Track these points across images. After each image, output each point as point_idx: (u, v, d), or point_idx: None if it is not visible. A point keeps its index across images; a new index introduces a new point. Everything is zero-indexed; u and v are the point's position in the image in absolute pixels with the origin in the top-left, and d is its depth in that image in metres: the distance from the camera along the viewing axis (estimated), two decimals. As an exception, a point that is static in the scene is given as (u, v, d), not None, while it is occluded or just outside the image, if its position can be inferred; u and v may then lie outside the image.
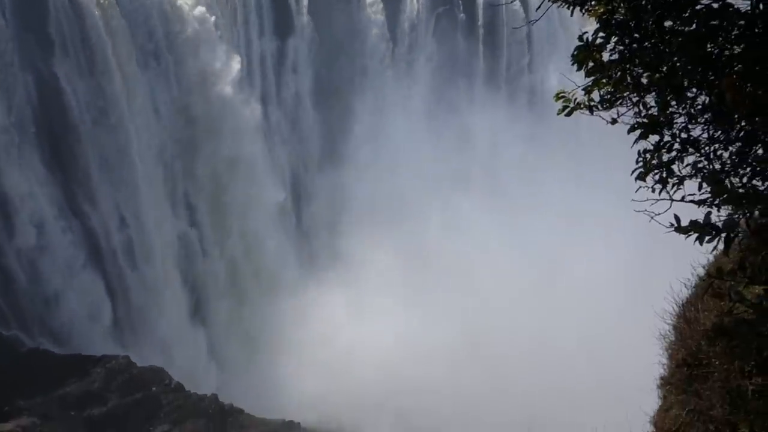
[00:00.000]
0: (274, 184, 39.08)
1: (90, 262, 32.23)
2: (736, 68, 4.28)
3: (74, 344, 30.87)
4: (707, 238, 3.96)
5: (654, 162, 4.98)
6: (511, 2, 44.58)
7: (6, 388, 27.46)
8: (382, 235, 38.72)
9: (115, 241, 33.07)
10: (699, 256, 8.75)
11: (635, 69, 4.84)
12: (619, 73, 4.88)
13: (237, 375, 35.37)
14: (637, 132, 4.81)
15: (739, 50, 4.29)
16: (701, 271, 9.18)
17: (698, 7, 4.34)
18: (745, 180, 4.51)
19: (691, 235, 4.04)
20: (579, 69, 4.93)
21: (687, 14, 4.37)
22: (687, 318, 8.87)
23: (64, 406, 28.39)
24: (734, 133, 4.72)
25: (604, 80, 4.92)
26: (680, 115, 4.84)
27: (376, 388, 33.75)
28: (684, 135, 4.83)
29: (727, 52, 4.36)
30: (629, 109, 5.03)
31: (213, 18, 35.47)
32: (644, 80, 4.82)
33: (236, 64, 36.36)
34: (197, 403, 30.77)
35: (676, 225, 4.15)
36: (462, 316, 35.64)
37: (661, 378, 8.94)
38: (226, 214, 37.06)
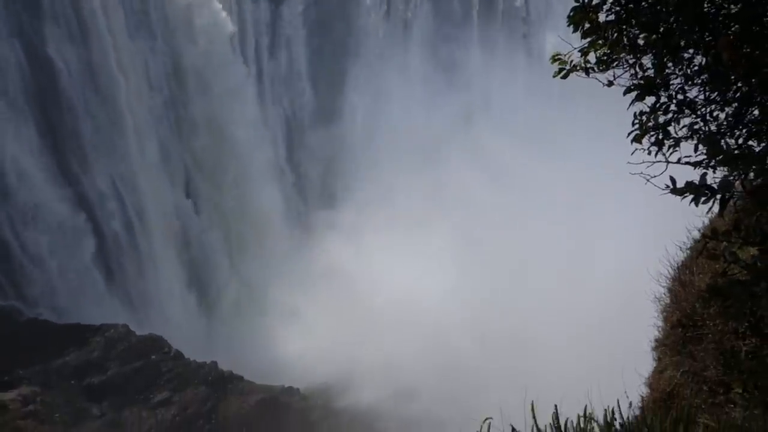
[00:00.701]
0: (269, 142, 38.93)
1: (86, 230, 32.17)
2: (732, 29, 4.24)
3: (73, 313, 30.94)
4: (702, 199, 3.96)
5: (650, 124, 4.95)
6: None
7: (6, 358, 27.61)
8: (379, 188, 39.17)
9: (110, 208, 32.98)
10: (694, 219, 8.78)
11: (632, 30, 4.79)
12: (615, 34, 4.82)
13: (235, 343, 35.54)
14: (633, 93, 4.78)
15: (736, 10, 4.24)
16: (696, 235, 9.21)
17: (695, -34, 4.29)
18: (741, 141, 4.50)
19: (686, 196, 4.03)
20: (575, 30, 4.88)
21: (684, -27, 4.32)
22: (682, 281, 8.93)
23: (64, 375, 28.58)
24: (731, 94, 4.69)
25: (600, 41, 4.87)
26: (677, 76, 4.80)
27: (375, 353, 34.12)
28: (680, 96, 4.80)
29: (724, 12, 4.32)
30: (625, 71, 4.98)
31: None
32: (641, 41, 4.77)
33: (229, 25, 36.01)
34: (197, 371, 31.00)
35: (671, 187, 4.14)
36: (464, 264, 35.91)
37: (656, 340, 9.03)
38: (222, 178, 36.92)
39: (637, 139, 5.06)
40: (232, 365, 32.09)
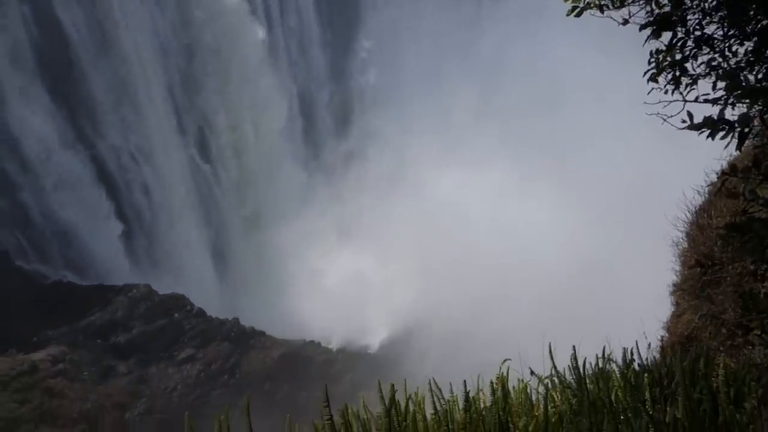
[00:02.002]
0: (283, 101, 38.70)
1: (103, 193, 32.38)
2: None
3: (95, 275, 31.34)
4: (721, 134, 3.86)
5: (666, 62, 4.83)
6: None
7: (33, 320, 28.13)
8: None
9: (126, 171, 33.10)
10: (712, 163, 8.64)
11: (647, -36, 4.63)
12: (629, -30, 4.67)
13: (256, 299, 35.91)
14: (649, 30, 4.63)
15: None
16: (714, 177, 9.08)
17: None
18: (760, 76, 4.37)
19: (704, 131, 3.94)
20: (588, -33, 4.72)
21: None
22: (699, 224, 8.84)
23: (91, 334, 29.10)
24: (750, 29, 4.55)
25: (614, -23, 4.72)
26: (694, 11, 4.65)
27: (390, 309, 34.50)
28: (698, 32, 4.66)
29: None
30: (641, 8, 4.84)
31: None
32: (656, -24, 4.62)
33: None
34: (219, 327, 31.44)
35: (689, 122, 4.04)
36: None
37: (674, 284, 8.98)
38: (237, 137, 36.82)
39: (653, 78, 4.94)
40: (253, 321, 32.48)
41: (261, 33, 36.92)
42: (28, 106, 29.61)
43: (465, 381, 4.11)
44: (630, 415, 3.63)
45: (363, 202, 39.19)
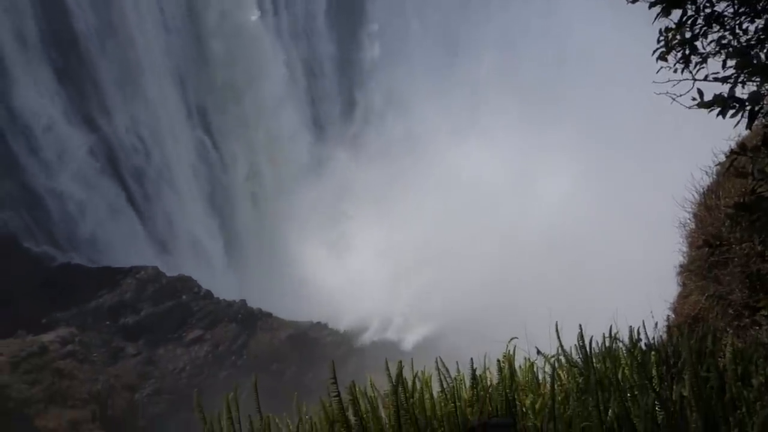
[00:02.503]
0: (288, 78, 38.52)
1: (109, 174, 32.42)
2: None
3: (102, 256, 31.47)
4: (731, 112, 3.83)
5: (676, 40, 4.78)
6: None
7: (42, 302, 28.33)
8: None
9: (132, 152, 33.11)
10: (721, 143, 8.59)
11: (656, -60, 4.57)
12: (638, -54, 4.62)
13: (263, 281, 36.01)
14: (659, 8, 4.59)
15: None
16: (722, 158, 9.02)
17: None
18: (771, 54, 4.33)
19: (714, 109, 3.91)
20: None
21: None
22: (707, 205, 8.81)
23: (99, 316, 29.30)
24: (760, 6, 4.50)
25: (623, -46, 4.67)
26: (704, -12, 4.60)
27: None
28: (708, 10, 4.61)
29: None
30: (650, -15, 4.78)
31: None
32: (666, -48, 4.56)
33: None
34: (227, 309, 31.60)
35: (699, 100, 4.01)
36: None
37: (681, 265, 8.96)
38: (243, 115, 36.70)
39: (663, 57, 4.90)
40: (260, 303, 32.62)
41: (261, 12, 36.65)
42: (34, 87, 29.61)
43: (471, 359, 4.13)
44: (637, 392, 3.64)
45: (375, 180, 39.06)
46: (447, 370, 4.40)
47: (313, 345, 31.55)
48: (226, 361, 30.05)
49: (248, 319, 31.67)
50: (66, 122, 30.87)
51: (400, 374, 3.70)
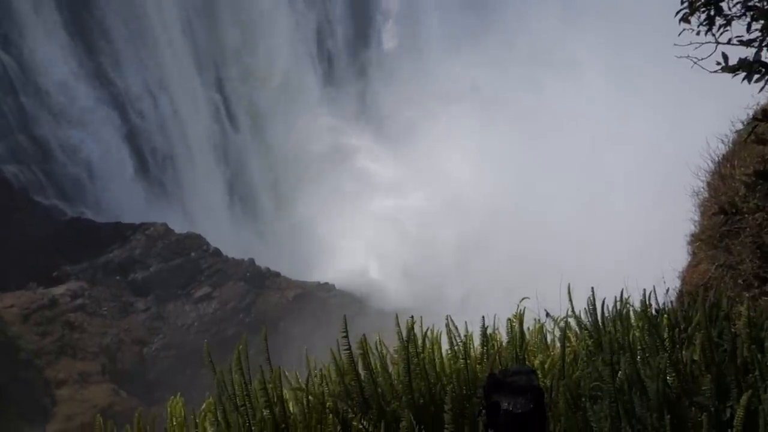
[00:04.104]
0: (300, 41, 38.17)
1: (120, 129, 32.42)
2: None
3: (112, 212, 31.61)
4: (756, 76, 3.75)
5: (700, 1, 4.67)
6: None
7: (52, 255, 28.58)
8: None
9: (144, 109, 33.05)
10: (739, 112, 8.46)
11: None
12: None
13: (271, 241, 36.16)
14: (685, -34, 4.47)
15: None
16: (740, 126, 8.88)
17: None
18: (799, 16, 4.22)
19: (738, 74, 3.82)
20: None
21: None
22: (722, 174, 8.71)
23: (109, 271, 29.56)
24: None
25: None
26: (732, -53, 4.48)
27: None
28: (735, -31, 4.49)
29: None
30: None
31: None
32: None
33: None
34: (235, 267, 31.80)
35: (723, 64, 3.92)
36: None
37: (692, 235, 8.90)
38: (255, 76, 36.45)
39: (686, 18, 4.79)
40: (268, 262, 32.78)
41: None
42: (46, 41, 29.48)
43: (483, 317, 4.13)
44: (648, 355, 3.65)
45: (399, 124, 38.84)
46: (456, 329, 4.41)
47: (320, 305, 31.77)
48: (234, 318, 30.34)
49: (256, 278, 31.88)
50: (77, 77, 30.78)
51: (411, 329, 3.71)
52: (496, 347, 4.10)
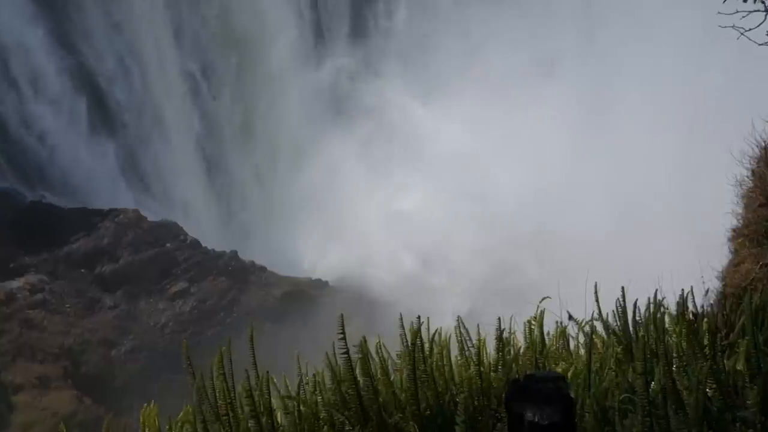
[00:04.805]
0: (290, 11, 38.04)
1: (89, 104, 32.32)
2: None
3: (77, 196, 31.56)
4: (814, 47, 3.72)
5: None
6: None
7: (9, 245, 28.55)
8: None
9: (114, 81, 32.94)
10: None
11: None
12: None
13: (256, 231, 36.15)
14: None
15: None
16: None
17: None
18: None
19: (793, 44, 3.79)
20: None
21: None
22: (769, 160, 8.71)
23: (73, 262, 29.54)
24: None
25: None
26: None
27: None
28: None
29: None
30: None
31: None
32: None
33: None
34: (216, 260, 31.79)
35: (776, 33, 3.89)
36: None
37: (734, 230, 8.89)
38: (236, 44, 36.31)
39: (733, -18, 4.77)
40: (254, 256, 32.78)
41: None
42: (6, 7, 29.37)
43: (499, 318, 4.11)
44: (685, 363, 3.63)
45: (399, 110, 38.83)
46: (467, 332, 4.40)
47: (312, 303, 31.79)
48: (214, 318, 30.37)
49: (239, 273, 31.88)
50: (40, 44, 30.66)
51: (417, 331, 3.69)
52: (512, 353, 4.09)
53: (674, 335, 4.05)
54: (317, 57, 40.08)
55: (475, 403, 3.54)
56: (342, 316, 3.56)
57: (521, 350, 4.22)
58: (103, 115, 32.93)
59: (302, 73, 39.26)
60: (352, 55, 40.48)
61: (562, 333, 4.67)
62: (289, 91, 38.34)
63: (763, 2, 4.80)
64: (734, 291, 7.92)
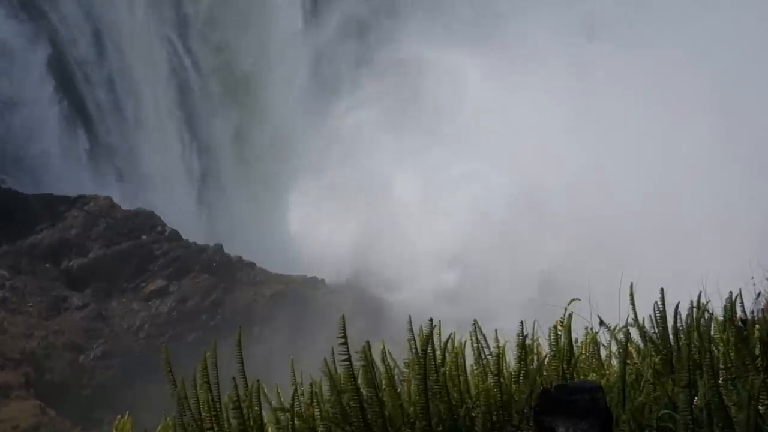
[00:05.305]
0: None
1: (56, 79, 32.32)
2: None
3: (42, 181, 31.58)
4: None
5: None
6: None
7: (-36, 235, 28.61)
8: None
9: (84, 52, 32.92)
10: None
11: None
12: None
13: (245, 222, 36.17)
14: None
15: None
16: None
17: None
18: None
19: None
20: None
21: None
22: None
23: (37, 256, 29.57)
24: None
25: None
26: None
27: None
28: None
29: None
30: None
31: None
32: None
33: None
34: (198, 255, 31.81)
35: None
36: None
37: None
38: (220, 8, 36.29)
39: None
40: (241, 250, 32.76)
41: None
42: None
43: (522, 322, 4.10)
44: (734, 376, 3.62)
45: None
46: (485, 338, 4.39)
47: (308, 305, 31.80)
48: (196, 320, 30.40)
49: (225, 269, 31.91)
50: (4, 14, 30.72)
51: (428, 337, 3.68)
52: (535, 362, 4.08)
53: (721, 344, 4.03)
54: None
55: (494, 417, 3.53)
56: (343, 317, 3.54)
57: (546, 359, 4.21)
58: (71, 90, 32.93)
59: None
60: None
61: (593, 340, 4.65)
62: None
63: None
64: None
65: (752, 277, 5.75)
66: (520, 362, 4.05)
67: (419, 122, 38.30)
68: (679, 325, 4.44)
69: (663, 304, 4.36)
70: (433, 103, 38.88)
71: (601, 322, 4.91)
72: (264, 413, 3.66)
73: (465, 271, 34.85)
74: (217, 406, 3.57)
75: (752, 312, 4.96)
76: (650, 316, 4.61)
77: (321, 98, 39.49)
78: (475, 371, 4.05)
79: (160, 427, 3.86)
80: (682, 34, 36.10)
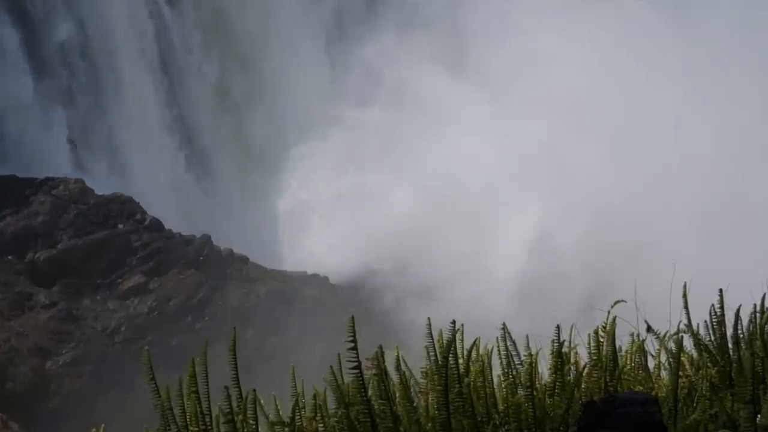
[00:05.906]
0: None
1: (21, 46, 32.40)
2: None
3: (6, 161, 31.67)
4: None
5: None
6: None
7: None
8: None
9: (53, 15, 33.02)
10: None
11: None
12: None
13: (236, 210, 36.24)
14: None
15: None
16: None
17: None
18: None
19: None
20: None
21: None
22: None
23: (-2, 247, 29.72)
24: None
25: None
26: None
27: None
28: None
29: None
30: None
31: None
32: None
33: None
34: (182, 247, 31.86)
35: None
36: None
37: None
38: None
39: None
40: (232, 242, 32.81)
41: None
42: None
43: (558, 326, 4.09)
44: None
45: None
46: (514, 344, 4.37)
47: (307, 304, 31.85)
48: (180, 322, 30.49)
49: (213, 264, 31.99)
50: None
51: (450, 344, 3.67)
52: (573, 373, 4.08)
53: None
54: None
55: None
56: (353, 318, 3.54)
57: (585, 370, 4.20)
58: (41, 58, 33.01)
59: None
60: None
61: (639, 348, 4.65)
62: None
63: None
64: None
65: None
66: (555, 373, 4.04)
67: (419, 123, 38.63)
68: (739, 332, 4.43)
69: (722, 307, 4.35)
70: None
71: (649, 328, 4.90)
72: (260, 427, 3.68)
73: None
74: (207, 419, 3.59)
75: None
76: (706, 321, 4.60)
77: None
78: (503, 383, 4.05)
79: (140, 442, 3.88)
80: None
